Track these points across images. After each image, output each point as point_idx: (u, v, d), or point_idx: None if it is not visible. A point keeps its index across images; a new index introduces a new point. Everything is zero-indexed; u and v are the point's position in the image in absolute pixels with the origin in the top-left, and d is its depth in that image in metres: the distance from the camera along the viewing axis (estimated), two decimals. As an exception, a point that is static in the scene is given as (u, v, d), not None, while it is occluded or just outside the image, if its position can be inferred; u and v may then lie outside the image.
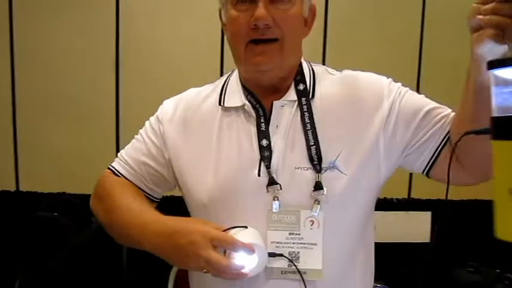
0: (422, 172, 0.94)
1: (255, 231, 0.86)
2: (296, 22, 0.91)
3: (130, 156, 1.03)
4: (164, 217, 0.92)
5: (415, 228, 2.38)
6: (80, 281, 2.07)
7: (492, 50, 0.66)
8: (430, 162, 0.91)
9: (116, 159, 1.05)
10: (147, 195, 1.05)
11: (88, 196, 1.07)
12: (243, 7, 0.88)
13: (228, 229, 0.86)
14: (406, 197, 2.31)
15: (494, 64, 0.51)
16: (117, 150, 1.05)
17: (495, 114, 0.51)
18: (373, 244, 1.01)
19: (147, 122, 1.05)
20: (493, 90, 0.52)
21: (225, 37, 0.98)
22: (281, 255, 0.88)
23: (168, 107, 1.03)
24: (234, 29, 0.91)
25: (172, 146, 0.99)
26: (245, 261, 0.81)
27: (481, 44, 0.67)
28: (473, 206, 2.19)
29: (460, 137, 0.63)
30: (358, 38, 2.33)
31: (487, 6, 0.63)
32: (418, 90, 0.96)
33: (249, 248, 0.81)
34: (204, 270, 0.82)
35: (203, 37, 2.65)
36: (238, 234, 0.83)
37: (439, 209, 2.43)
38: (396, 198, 2.29)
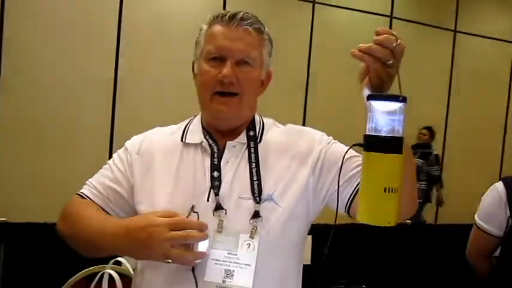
0: (344, 211, 1.08)
1: None
2: (254, 83, 1.09)
3: (98, 182, 1.12)
4: (118, 220, 1.02)
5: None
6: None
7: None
8: (349, 202, 1.06)
9: (84, 185, 1.14)
10: None
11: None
12: (214, 64, 1.04)
13: None
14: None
15: (370, 96, 0.70)
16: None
17: (372, 133, 0.70)
18: (301, 274, 1.14)
19: (115, 154, 1.16)
20: (369, 115, 0.70)
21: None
22: None
23: (136, 141, 1.16)
24: (203, 80, 1.06)
25: (137, 173, 1.10)
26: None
27: (362, 91, 0.82)
28: (348, 230, 2.47)
29: (348, 149, 0.80)
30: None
31: (365, 45, 0.78)
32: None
33: (202, 225, 0.93)
34: (168, 260, 0.91)
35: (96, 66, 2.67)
36: None
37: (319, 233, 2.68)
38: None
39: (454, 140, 5.77)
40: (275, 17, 5.05)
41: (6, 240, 2.45)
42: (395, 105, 0.69)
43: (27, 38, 3.58)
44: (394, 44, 0.76)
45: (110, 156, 1.17)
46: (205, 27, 1.09)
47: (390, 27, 5.25)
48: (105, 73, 4.07)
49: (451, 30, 5.77)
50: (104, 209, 1.10)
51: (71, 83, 3.95)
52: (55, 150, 3.84)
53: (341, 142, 1.15)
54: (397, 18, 5.39)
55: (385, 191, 0.69)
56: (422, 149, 5.14)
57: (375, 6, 5.29)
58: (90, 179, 1.16)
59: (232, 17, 1.05)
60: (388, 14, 5.37)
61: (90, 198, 1.11)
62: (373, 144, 0.69)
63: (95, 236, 1.01)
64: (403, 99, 0.70)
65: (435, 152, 5.23)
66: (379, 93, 0.79)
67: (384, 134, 0.69)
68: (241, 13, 1.06)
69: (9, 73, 3.67)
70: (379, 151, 0.69)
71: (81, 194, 1.13)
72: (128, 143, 1.16)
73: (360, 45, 0.78)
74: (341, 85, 4.98)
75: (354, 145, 0.72)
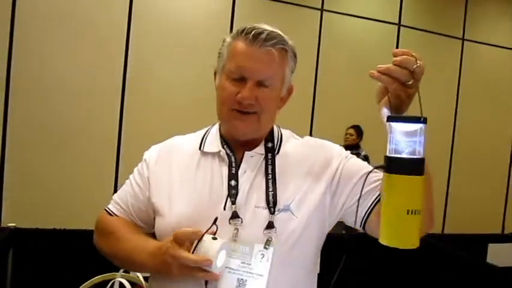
0: (359, 226, 1.08)
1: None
2: (273, 102, 1.09)
3: (120, 198, 1.18)
4: (155, 240, 1.06)
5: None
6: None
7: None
8: (364, 217, 1.06)
9: (111, 201, 1.20)
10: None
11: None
12: (234, 82, 1.05)
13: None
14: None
15: (390, 118, 0.70)
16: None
17: (393, 154, 0.70)
18: (315, 286, 1.14)
19: (135, 168, 1.19)
20: (389, 136, 0.71)
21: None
22: None
23: (154, 151, 1.18)
24: (223, 97, 1.07)
25: (155, 183, 1.12)
26: (211, 254, 0.92)
27: (380, 111, 0.83)
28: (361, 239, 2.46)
29: (369, 171, 0.80)
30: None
31: (383, 66, 0.79)
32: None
33: (198, 235, 0.92)
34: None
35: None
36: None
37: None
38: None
39: (461, 149, 5.75)
40: (282, 24, 5.03)
41: (16, 246, 2.46)
42: (416, 127, 0.69)
43: (37, 44, 3.60)
44: (415, 66, 0.76)
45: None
46: (228, 39, 1.08)
47: (398, 35, 5.23)
48: (113, 81, 4.09)
49: (459, 39, 5.76)
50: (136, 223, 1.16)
51: (80, 91, 3.97)
52: (63, 158, 3.86)
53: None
54: (405, 26, 5.38)
55: (408, 213, 0.69)
56: (350, 150, 4.58)
57: (383, 14, 5.29)
58: (115, 195, 1.20)
59: (257, 35, 1.03)
60: (396, 22, 5.37)
61: (116, 215, 1.17)
62: (395, 166, 0.69)
63: (135, 257, 1.04)
64: (424, 120, 0.70)
65: (364, 153, 4.74)
66: (399, 113, 0.79)
67: (405, 156, 0.69)
68: (266, 33, 1.04)
69: (18, 78, 3.70)
70: (401, 173, 0.69)
71: (108, 210, 1.18)
72: (146, 154, 1.18)
73: (378, 66, 0.78)
74: (349, 93, 4.99)
75: (376, 167, 0.71)
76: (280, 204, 1.04)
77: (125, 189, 1.18)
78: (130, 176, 1.19)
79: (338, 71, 4.96)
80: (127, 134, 4.04)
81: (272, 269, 0.99)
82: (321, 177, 1.09)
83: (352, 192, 1.07)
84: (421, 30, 5.47)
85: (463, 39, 5.78)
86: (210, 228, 0.96)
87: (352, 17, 5.13)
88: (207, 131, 1.19)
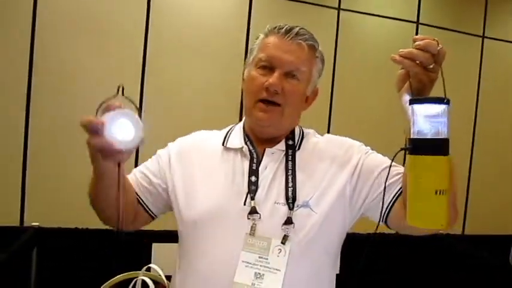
0: (382, 220, 1.08)
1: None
2: (298, 96, 1.11)
3: (137, 169, 1.20)
4: None
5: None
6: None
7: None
8: (386, 212, 1.06)
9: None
10: (144, 206, 1.18)
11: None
12: (263, 72, 1.07)
13: None
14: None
15: (413, 101, 0.70)
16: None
17: (417, 136, 0.70)
18: (334, 283, 1.14)
19: (158, 151, 1.22)
20: (412, 119, 0.70)
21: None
22: None
23: (180, 143, 1.22)
24: (250, 87, 1.10)
25: (176, 172, 1.14)
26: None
27: (401, 98, 0.84)
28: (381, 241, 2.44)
29: (396, 153, 0.81)
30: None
31: (405, 50, 0.80)
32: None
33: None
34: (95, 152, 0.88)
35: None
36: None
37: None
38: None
39: (481, 149, 5.65)
40: (299, 24, 5.03)
41: (39, 245, 2.51)
42: (439, 108, 0.69)
43: (58, 47, 3.65)
44: (438, 48, 0.76)
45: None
46: (261, 36, 1.13)
47: (416, 34, 5.18)
48: (131, 82, 4.14)
49: (479, 36, 5.68)
50: (135, 190, 1.16)
51: (98, 92, 4.01)
52: (84, 158, 3.90)
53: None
54: (424, 24, 5.32)
55: (436, 193, 0.69)
56: None
57: (400, 12, 5.24)
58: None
59: (289, 30, 1.08)
60: (415, 20, 5.32)
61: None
62: (420, 147, 0.69)
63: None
64: (447, 101, 0.70)
65: None
66: (421, 97, 0.78)
67: (429, 137, 0.68)
68: (298, 28, 1.09)
69: (39, 81, 3.76)
70: (427, 154, 0.69)
71: None
72: (170, 145, 1.21)
73: (400, 50, 0.78)
74: (367, 92, 4.95)
75: (402, 149, 0.72)
76: (300, 200, 1.04)
77: (145, 164, 1.21)
78: (153, 156, 1.21)
79: (355, 70, 4.92)
80: (145, 135, 4.07)
81: (290, 263, 1.00)
82: (341, 172, 1.09)
83: (373, 187, 1.07)
84: (440, 28, 5.40)
85: (483, 37, 5.69)
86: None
87: (369, 16, 5.10)
88: (231, 128, 1.21)
